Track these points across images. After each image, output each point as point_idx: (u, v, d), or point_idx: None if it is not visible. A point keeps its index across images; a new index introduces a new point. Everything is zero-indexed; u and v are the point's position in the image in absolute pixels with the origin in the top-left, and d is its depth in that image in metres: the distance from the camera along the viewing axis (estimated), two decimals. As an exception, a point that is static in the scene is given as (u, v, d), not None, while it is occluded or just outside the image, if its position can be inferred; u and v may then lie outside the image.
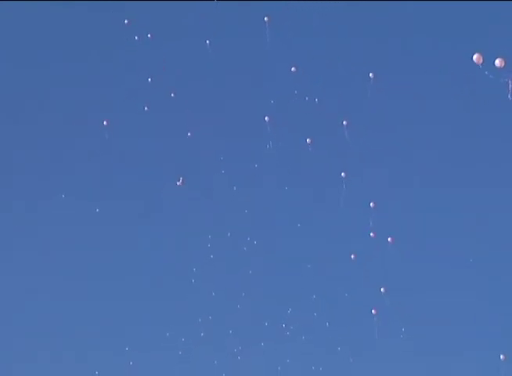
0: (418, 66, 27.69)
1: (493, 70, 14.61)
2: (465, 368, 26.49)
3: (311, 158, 26.65)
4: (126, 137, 28.65)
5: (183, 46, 27.19)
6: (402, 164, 28.11)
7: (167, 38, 26.88)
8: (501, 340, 25.99)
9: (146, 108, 26.00)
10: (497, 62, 14.25)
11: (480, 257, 26.73)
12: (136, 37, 25.32)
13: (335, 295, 27.18)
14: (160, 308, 28.11)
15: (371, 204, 22.36)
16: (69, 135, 29.62)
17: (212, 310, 27.21)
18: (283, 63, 25.85)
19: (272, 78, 27.63)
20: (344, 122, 22.83)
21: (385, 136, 28.14)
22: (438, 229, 27.58)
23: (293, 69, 23.56)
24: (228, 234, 27.26)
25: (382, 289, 22.56)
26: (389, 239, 22.13)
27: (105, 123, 26.12)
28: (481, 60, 14.57)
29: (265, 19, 23.28)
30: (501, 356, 21.71)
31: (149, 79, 25.87)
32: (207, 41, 24.37)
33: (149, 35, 25.13)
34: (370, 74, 21.36)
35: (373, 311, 23.02)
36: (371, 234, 22.82)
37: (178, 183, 26.02)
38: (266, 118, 22.93)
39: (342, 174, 23.33)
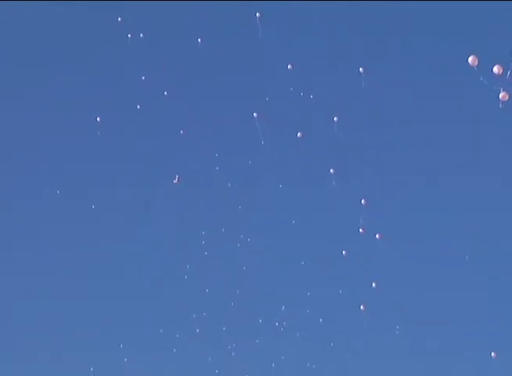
0: (411, 64, 27.79)
1: (488, 74, 14.42)
2: (458, 364, 26.60)
3: (306, 156, 26.75)
4: (119, 135, 28.76)
5: (176, 44, 27.28)
6: (395, 161, 28.23)
7: (160, 36, 26.94)
8: (493, 337, 26.13)
9: (138, 106, 26.10)
10: (495, 69, 14.06)
11: (474, 253, 26.79)
12: (129, 35, 25.37)
13: (329, 292, 27.24)
14: (154, 304, 28.19)
15: (362, 201, 22.38)
16: (63, 132, 29.71)
17: (206, 307, 27.29)
18: (277, 59, 26.01)
19: (265, 75, 27.75)
20: (335, 118, 22.88)
21: (379, 133, 28.23)
22: (432, 225, 27.68)
23: (289, 66, 23.66)
24: (223, 230, 27.33)
25: (373, 284, 22.62)
26: (377, 235, 22.17)
27: (98, 119, 26.17)
28: (476, 62, 14.41)
29: (257, 14, 23.36)
30: (492, 354, 21.75)
31: (143, 77, 25.95)
32: (199, 40, 24.43)
33: (141, 35, 25.19)
34: (360, 69, 21.38)
35: (361, 307, 23.05)
36: (361, 230, 22.84)
37: (174, 181, 26.13)
38: (254, 114, 22.96)
39: (333, 171, 23.37)
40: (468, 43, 27.18)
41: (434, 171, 27.42)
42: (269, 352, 27.26)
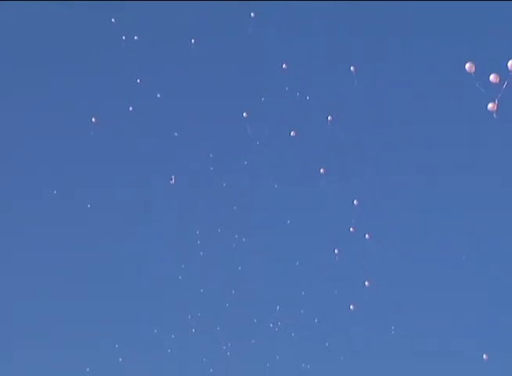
0: (406, 63, 27.85)
1: (486, 81, 14.29)
2: (456, 364, 26.59)
3: (302, 156, 26.78)
4: (114, 136, 28.80)
5: (170, 44, 27.32)
6: (394, 161, 28.26)
7: (154, 37, 26.98)
8: (485, 339, 26.16)
9: (130, 108, 26.16)
10: (492, 77, 13.99)
11: (470, 253, 26.84)
12: (124, 37, 25.41)
13: (324, 292, 27.25)
14: (148, 304, 28.21)
15: (358, 202, 22.39)
16: (59, 132, 29.77)
17: (201, 307, 27.30)
18: (272, 60, 26.04)
19: (260, 75, 27.76)
20: (329, 117, 22.90)
21: (379, 133, 28.26)
22: (428, 225, 27.72)
23: (284, 66, 23.68)
24: (218, 230, 27.33)
25: (366, 283, 22.61)
26: (366, 235, 22.19)
27: (93, 120, 26.22)
28: (473, 69, 14.33)
29: (251, 14, 23.41)
30: (484, 356, 21.73)
31: (138, 80, 26.01)
32: (193, 40, 24.45)
33: (135, 37, 25.22)
34: (352, 68, 21.38)
35: (351, 307, 23.07)
36: (351, 229, 22.85)
37: (171, 182, 26.22)
38: (244, 114, 23.02)
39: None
40: (468, 43, 27.31)
41: (428, 171, 27.53)
42: (264, 352, 27.30)
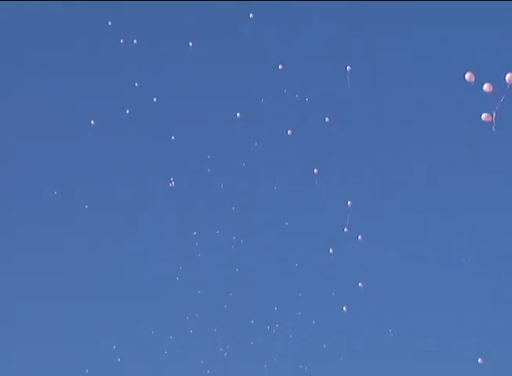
0: (404, 63, 27.80)
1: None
2: (453, 364, 26.57)
3: (300, 157, 26.78)
4: (113, 138, 28.86)
5: (167, 46, 27.36)
6: (393, 161, 28.24)
7: (152, 39, 27.03)
8: (483, 339, 26.11)
9: (127, 111, 26.20)
10: (485, 87, 13.93)
11: (469, 254, 26.82)
12: (122, 41, 25.44)
13: (322, 294, 27.22)
14: (146, 306, 28.24)
15: (348, 203, 22.34)
16: (58, 133, 29.83)
17: (199, 308, 27.31)
18: (268, 61, 26.01)
19: (256, 76, 27.74)
20: (327, 119, 22.89)
21: (378, 133, 28.24)
22: (426, 225, 27.71)
23: (280, 66, 23.64)
24: (216, 232, 27.35)
25: (360, 284, 22.58)
26: (359, 237, 22.13)
27: (92, 122, 26.29)
28: (473, 79, 14.28)
29: (250, 15, 23.39)
30: (479, 360, 21.69)
31: (136, 84, 26.05)
32: (190, 43, 24.46)
33: (135, 41, 25.25)
34: (348, 68, 21.30)
35: (343, 308, 23.04)
36: (345, 229, 22.83)
37: (170, 185, 26.29)
38: (238, 115, 22.99)
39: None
40: (468, 43, 27.25)
41: (425, 172, 27.58)
42: (262, 354, 27.28)
